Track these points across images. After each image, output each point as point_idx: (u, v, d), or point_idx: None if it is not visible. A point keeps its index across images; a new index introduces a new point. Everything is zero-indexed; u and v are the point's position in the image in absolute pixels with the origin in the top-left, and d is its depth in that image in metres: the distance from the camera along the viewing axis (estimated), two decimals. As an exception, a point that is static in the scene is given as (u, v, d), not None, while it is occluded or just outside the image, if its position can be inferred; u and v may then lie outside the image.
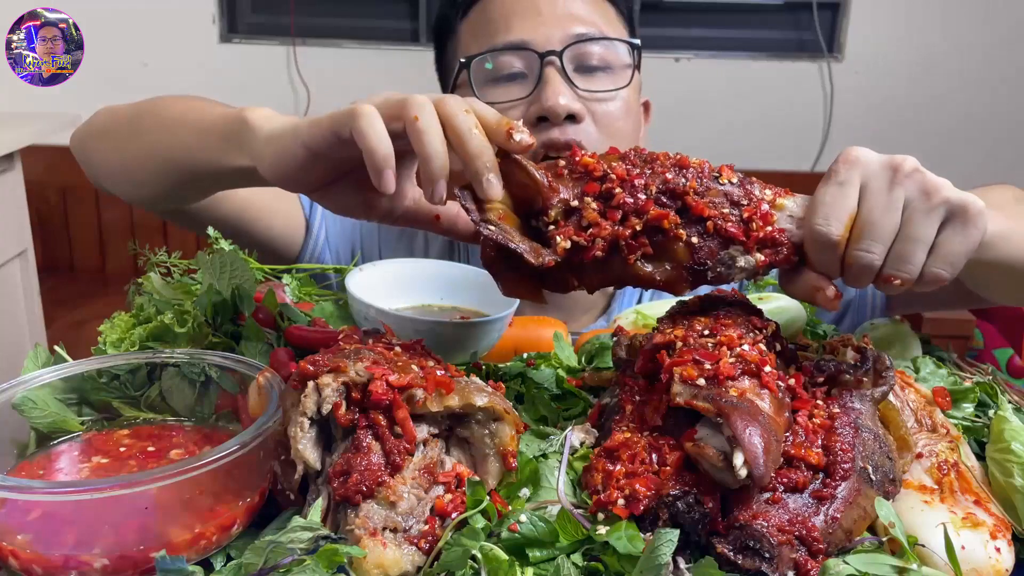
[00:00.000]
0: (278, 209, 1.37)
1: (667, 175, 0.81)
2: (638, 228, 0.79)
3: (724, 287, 0.93)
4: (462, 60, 1.30)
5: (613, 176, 0.80)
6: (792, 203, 0.82)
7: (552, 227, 0.81)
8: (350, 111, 0.79)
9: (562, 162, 0.83)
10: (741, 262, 0.81)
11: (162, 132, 1.10)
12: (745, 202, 0.81)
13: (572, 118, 1.25)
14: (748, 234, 0.80)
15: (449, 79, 1.38)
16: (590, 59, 1.29)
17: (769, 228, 0.80)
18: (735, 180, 0.82)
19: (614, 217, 0.79)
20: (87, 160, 1.28)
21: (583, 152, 0.83)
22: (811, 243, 0.80)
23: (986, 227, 0.80)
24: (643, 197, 0.80)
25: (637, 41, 1.35)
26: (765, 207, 0.81)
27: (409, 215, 0.90)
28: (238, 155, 0.94)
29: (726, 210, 0.81)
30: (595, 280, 0.83)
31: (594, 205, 0.80)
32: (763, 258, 0.80)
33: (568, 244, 0.79)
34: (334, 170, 0.84)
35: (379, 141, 0.77)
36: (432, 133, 0.77)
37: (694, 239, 0.80)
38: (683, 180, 0.81)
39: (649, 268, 0.81)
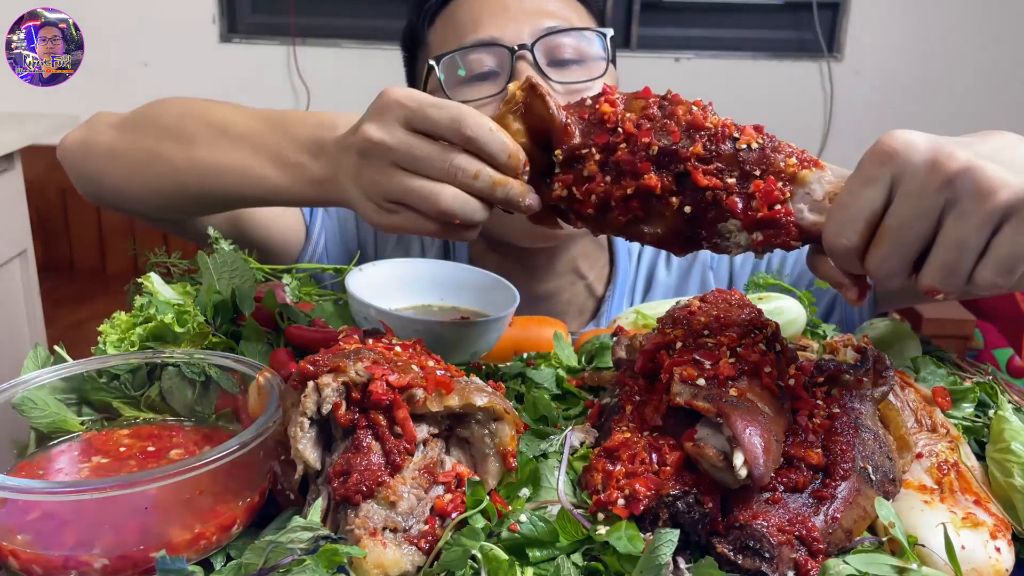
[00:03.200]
0: (278, 215, 1.37)
1: (676, 134, 0.76)
2: (630, 192, 0.77)
3: (726, 289, 0.93)
4: (431, 62, 1.27)
5: (621, 130, 0.78)
6: (816, 180, 0.74)
7: (557, 171, 0.81)
8: (446, 203, 0.83)
9: (588, 101, 0.81)
10: (738, 238, 0.77)
11: (208, 177, 1.09)
12: (758, 172, 0.74)
13: None
14: (747, 212, 0.74)
15: (419, 87, 1.36)
16: (563, 52, 1.26)
17: (774, 208, 0.73)
18: (755, 145, 0.75)
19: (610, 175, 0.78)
20: (92, 179, 1.25)
21: (609, 96, 0.80)
22: (827, 244, 0.72)
23: None
24: (644, 155, 0.76)
25: (609, 31, 1.32)
26: (780, 184, 0.74)
27: None
28: (331, 204, 1.01)
29: (732, 179, 0.74)
30: (593, 227, 0.83)
31: (597, 157, 0.79)
32: (761, 238, 0.75)
33: (564, 193, 0.80)
34: None
35: (475, 209, 0.84)
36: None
37: (687, 208, 0.76)
38: (688, 143, 0.75)
39: (642, 228, 0.80)
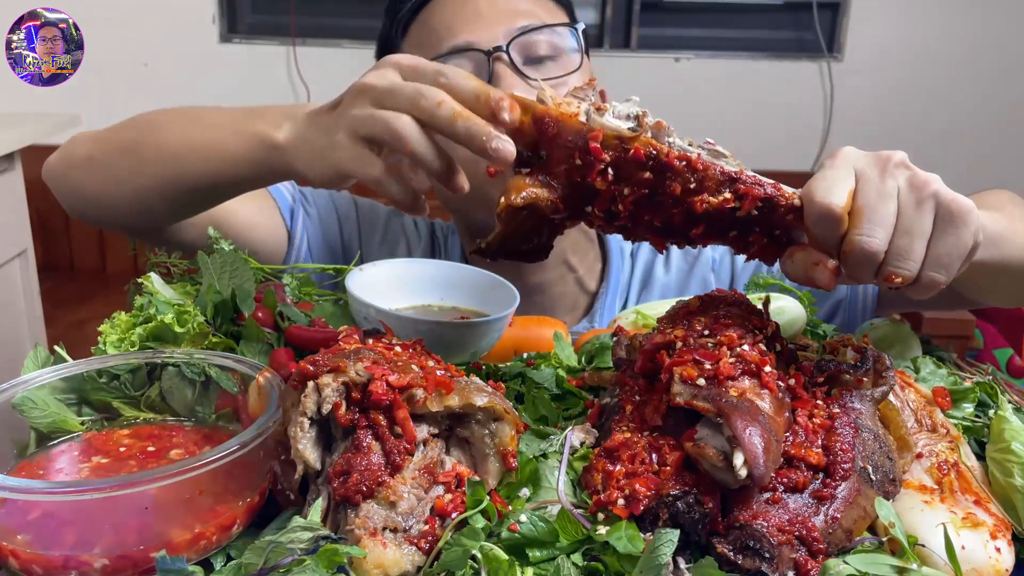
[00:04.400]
0: (258, 223, 1.37)
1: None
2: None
3: (727, 289, 0.93)
4: None
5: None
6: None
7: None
8: (399, 124, 0.82)
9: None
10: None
11: (171, 160, 1.11)
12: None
13: None
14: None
15: None
16: (537, 49, 1.28)
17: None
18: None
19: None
20: (73, 188, 1.26)
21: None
22: (812, 216, 0.77)
23: (979, 227, 0.78)
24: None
25: (581, 24, 1.34)
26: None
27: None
28: (276, 178, 1.03)
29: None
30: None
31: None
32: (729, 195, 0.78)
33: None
34: None
35: (428, 149, 0.84)
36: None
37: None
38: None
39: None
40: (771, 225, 0.80)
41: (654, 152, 0.78)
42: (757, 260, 0.85)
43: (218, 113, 1.10)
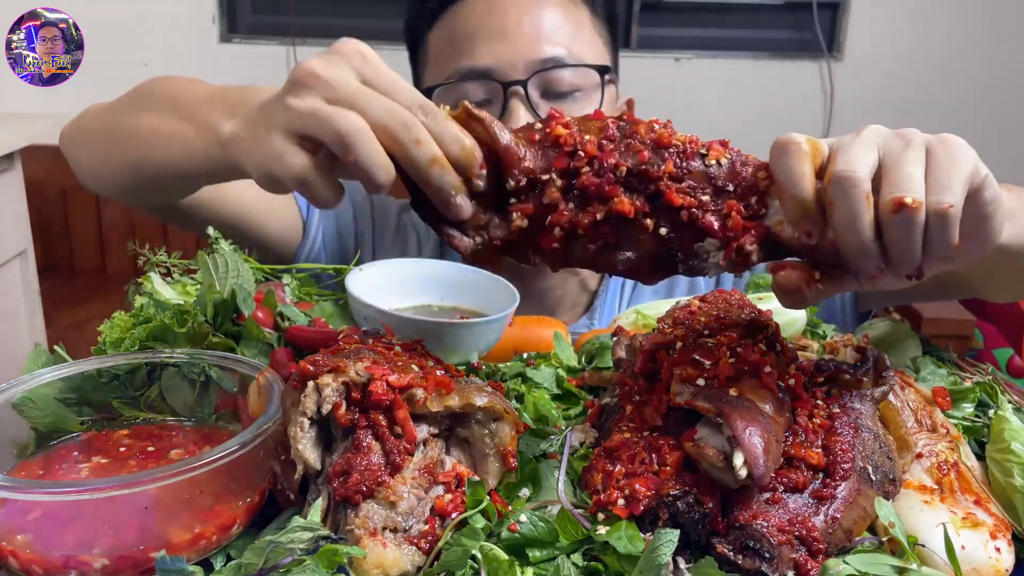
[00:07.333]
0: (274, 211, 1.36)
1: (643, 154, 0.72)
2: (599, 217, 0.72)
3: (727, 289, 0.92)
4: (424, 90, 1.26)
5: (582, 152, 0.73)
6: None
7: (513, 200, 0.74)
8: (350, 130, 0.72)
9: (538, 125, 0.75)
10: (716, 258, 0.73)
11: (141, 146, 1.06)
12: (731, 188, 0.72)
13: None
14: (724, 230, 0.71)
15: (420, 84, 1.37)
16: (559, 85, 1.24)
17: (746, 231, 0.71)
18: (724, 160, 0.72)
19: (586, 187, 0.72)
20: (73, 162, 1.25)
21: (560, 119, 0.75)
22: (835, 186, 0.67)
23: (979, 161, 0.71)
24: (612, 177, 0.72)
25: (607, 65, 1.29)
26: (754, 199, 0.72)
27: None
28: (233, 175, 0.93)
29: (706, 197, 0.72)
30: (555, 260, 0.76)
31: (559, 182, 0.73)
32: (736, 258, 0.72)
33: (524, 223, 0.73)
34: None
35: (325, 192, 0.74)
36: (374, 167, 0.72)
37: (663, 230, 0.72)
38: (659, 163, 0.72)
39: (614, 256, 0.74)
40: (747, 190, 0.72)
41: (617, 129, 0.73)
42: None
43: (200, 93, 1.00)
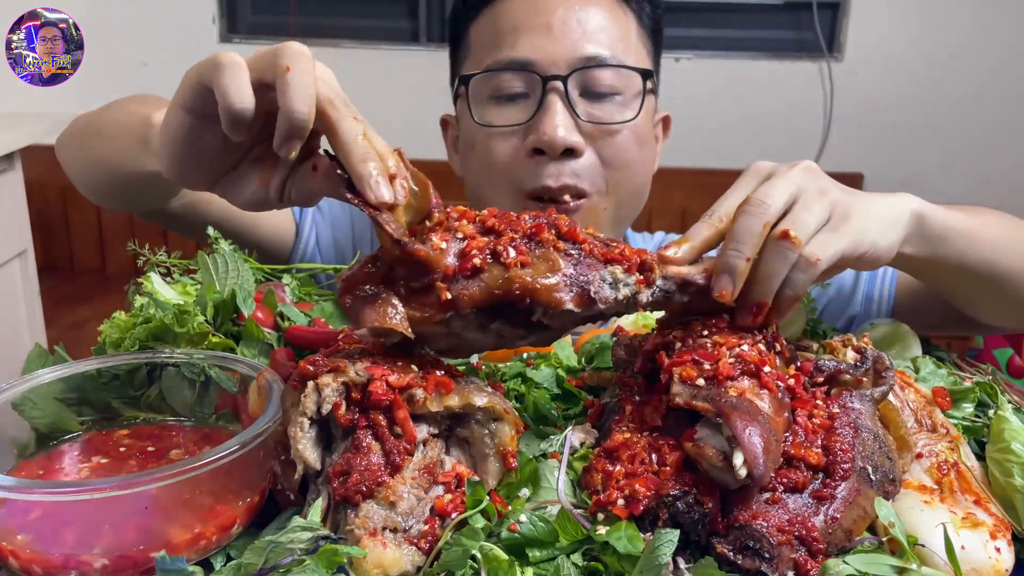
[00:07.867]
0: (265, 215, 1.36)
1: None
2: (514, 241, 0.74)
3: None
4: (460, 76, 1.25)
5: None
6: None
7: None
8: (212, 60, 0.73)
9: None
10: (624, 284, 0.78)
11: (103, 143, 1.14)
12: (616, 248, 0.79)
13: (571, 151, 1.19)
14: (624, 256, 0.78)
15: (452, 84, 1.36)
16: (599, 85, 1.22)
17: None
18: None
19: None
20: (65, 170, 1.30)
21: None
22: (747, 207, 0.79)
23: (832, 185, 0.84)
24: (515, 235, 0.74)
25: (649, 69, 1.28)
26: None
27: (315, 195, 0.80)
28: (150, 159, 0.95)
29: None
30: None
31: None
32: (640, 277, 0.78)
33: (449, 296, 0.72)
34: (228, 151, 0.79)
35: (238, 93, 0.71)
36: (301, 88, 0.70)
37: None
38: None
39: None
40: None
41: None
42: None
43: (157, 107, 1.01)
